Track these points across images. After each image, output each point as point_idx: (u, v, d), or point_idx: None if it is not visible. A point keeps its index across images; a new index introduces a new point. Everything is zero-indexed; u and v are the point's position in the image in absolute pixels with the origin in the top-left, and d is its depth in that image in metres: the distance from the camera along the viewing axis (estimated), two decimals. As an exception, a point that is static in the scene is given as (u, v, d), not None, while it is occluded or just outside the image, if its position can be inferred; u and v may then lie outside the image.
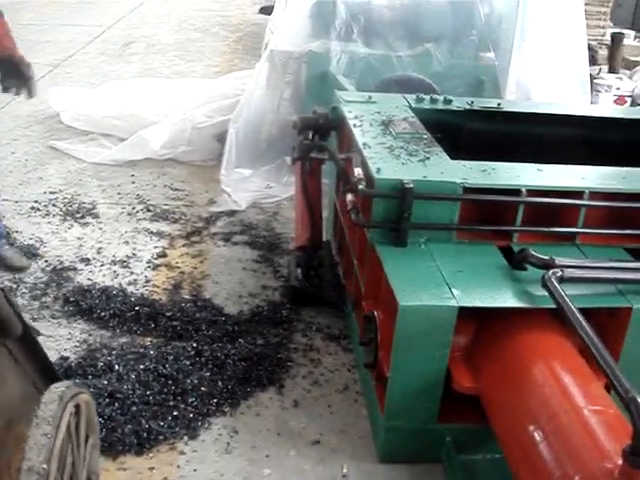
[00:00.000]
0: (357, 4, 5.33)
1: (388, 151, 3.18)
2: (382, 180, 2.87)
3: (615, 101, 7.16)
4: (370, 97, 3.97)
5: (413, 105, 3.92)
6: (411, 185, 2.81)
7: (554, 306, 2.49)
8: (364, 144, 3.24)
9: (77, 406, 1.91)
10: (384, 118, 3.62)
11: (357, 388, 3.23)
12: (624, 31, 9.19)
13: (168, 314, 3.61)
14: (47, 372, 2.11)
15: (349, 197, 3.05)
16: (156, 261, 4.21)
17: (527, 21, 5.22)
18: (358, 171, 2.99)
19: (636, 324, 2.66)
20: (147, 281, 3.99)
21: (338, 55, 5.23)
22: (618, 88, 7.30)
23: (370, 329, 2.85)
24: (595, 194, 3.05)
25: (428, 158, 3.13)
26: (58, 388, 1.84)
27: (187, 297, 3.83)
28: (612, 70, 7.86)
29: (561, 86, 5.29)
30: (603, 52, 8.43)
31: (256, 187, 5.18)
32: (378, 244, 2.89)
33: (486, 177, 3.01)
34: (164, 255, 4.28)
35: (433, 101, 4.01)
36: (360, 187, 2.90)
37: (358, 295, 3.27)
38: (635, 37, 9.70)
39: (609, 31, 9.07)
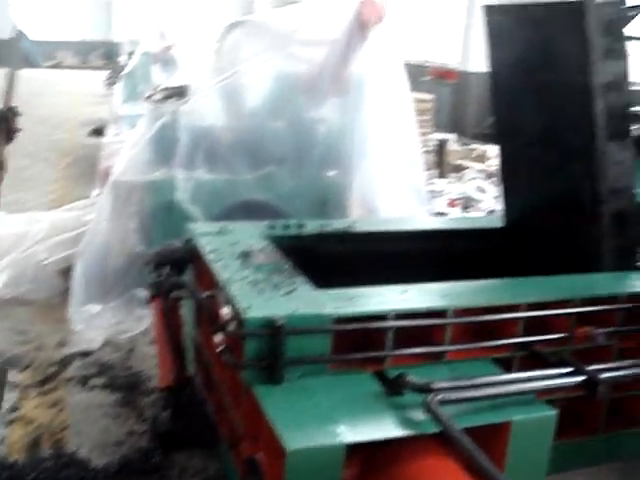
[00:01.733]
0: (199, 129, 5.35)
1: (252, 285, 3.15)
2: (252, 319, 2.82)
3: (448, 205, 7.53)
4: (223, 227, 3.95)
5: (267, 233, 3.94)
6: (283, 322, 2.79)
7: (438, 430, 2.53)
8: (227, 280, 3.19)
9: None
10: (242, 250, 3.59)
11: (242, 533, 3.09)
12: (446, 136, 9.79)
13: (30, 476, 3.35)
14: None
15: (218, 337, 2.97)
16: (9, 416, 3.92)
17: (365, 138, 5.42)
18: (226, 310, 2.93)
19: (517, 436, 2.72)
20: (1, 440, 3.70)
21: (182, 183, 5.21)
22: (449, 192, 7.71)
23: (253, 473, 2.75)
24: (458, 310, 3.15)
25: (294, 290, 3.12)
26: None
27: (48, 454, 3.58)
28: (441, 175, 8.29)
29: (402, 199, 5.50)
30: (430, 158, 8.89)
31: (107, 323, 5.00)
32: (253, 384, 2.82)
33: (354, 305, 3.03)
34: (17, 408, 4.01)
35: (286, 227, 4.05)
36: (231, 328, 2.84)
37: (234, 436, 3.16)
38: (456, 141, 10.33)
39: (431, 137, 9.62)
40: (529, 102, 4.09)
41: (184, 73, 5.68)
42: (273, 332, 2.78)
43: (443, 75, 13.66)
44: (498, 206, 7.50)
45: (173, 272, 3.71)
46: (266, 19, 5.81)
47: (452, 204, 7.62)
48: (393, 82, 5.45)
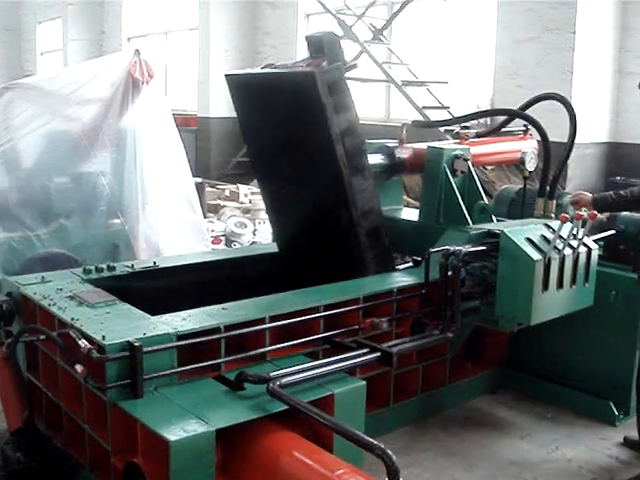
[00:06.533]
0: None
1: (97, 320, 3.59)
2: (111, 345, 3.28)
3: (213, 242, 8.15)
4: (43, 277, 4.28)
5: (85, 277, 4.34)
6: (139, 343, 3.27)
7: (285, 408, 3.18)
8: (73, 318, 3.59)
9: None
10: (69, 293, 3.99)
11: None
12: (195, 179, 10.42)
13: None
14: None
15: (79, 368, 3.36)
16: None
17: (145, 186, 5.96)
18: (83, 342, 3.33)
19: (339, 404, 3.42)
20: None
21: (-23, 245, 5.42)
22: (212, 230, 8.35)
23: (136, 475, 3.15)
24: (273, 317, 3.82)
25: (133, 318, 3.63)
26: None
27: None
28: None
29: (184, 238, 6.10)
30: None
31: None
32: (120, 402, 3.26)
33: (190, 323, 3.59)
34: None
35: (99, 270, 4.47)
36: (95, 355, 3.25)
37: (97, 455, 3.53)
38: (203, 183, 10.97)
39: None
40: (279, 151, 4.93)
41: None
42: (132, 353, 3.27)
43: (184, 122, 14.28)
44: (257, 238, 8.32)
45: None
46: (40, 82, 6.15)
47: (217, 241, 8.26)
48: (165, 132, 6.06)
